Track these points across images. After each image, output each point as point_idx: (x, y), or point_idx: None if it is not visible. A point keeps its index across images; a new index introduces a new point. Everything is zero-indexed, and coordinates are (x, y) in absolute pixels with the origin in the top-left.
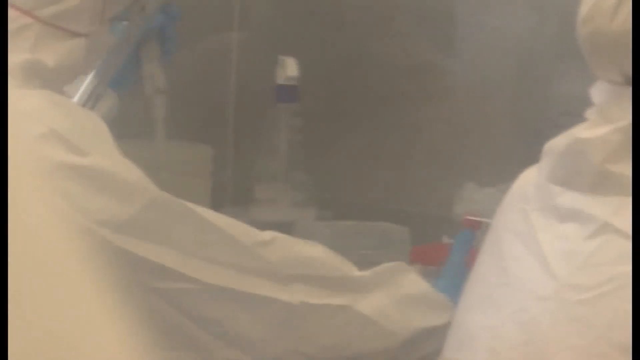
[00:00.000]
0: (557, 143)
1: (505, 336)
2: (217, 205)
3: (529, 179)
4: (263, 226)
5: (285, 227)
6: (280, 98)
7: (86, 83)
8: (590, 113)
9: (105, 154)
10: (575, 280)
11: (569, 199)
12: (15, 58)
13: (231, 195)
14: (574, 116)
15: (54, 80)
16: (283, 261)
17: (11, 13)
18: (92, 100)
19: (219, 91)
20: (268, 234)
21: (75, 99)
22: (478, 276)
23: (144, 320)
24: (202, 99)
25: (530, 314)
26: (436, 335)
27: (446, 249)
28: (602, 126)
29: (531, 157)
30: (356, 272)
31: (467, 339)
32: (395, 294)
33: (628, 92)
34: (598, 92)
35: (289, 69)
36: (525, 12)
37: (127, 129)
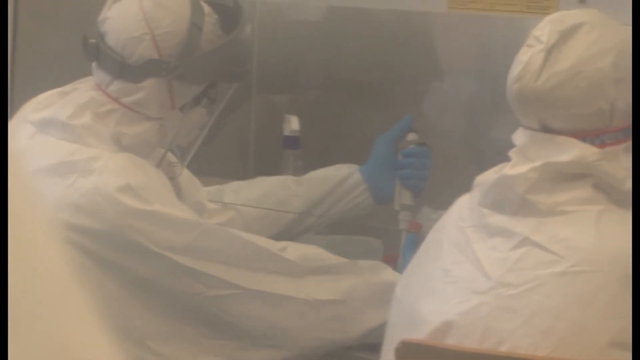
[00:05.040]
0: (487, 177)
1: (452, 320)
2: None
3: (463, 203)
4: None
5: (293, 239)
6: (286, 145)
7: (162, 152)
8: (512, 152)
9: (166, 201)
10: (505, 280)
11: (496, 219)
12: (106, 131)
13: None
14: (504, 156)
15: (134, 149)
16: (298, 258)
17: (104, 99)
18: (163, 164)
19: (242, 140)
20: (283, 243)
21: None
22: (423, 274)
23: (191, 317)
24: (230, 147)
25: (471, 304)
26: None
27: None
28: (523, 165)
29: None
30: (347, 261)
31: (421, 322)
32: (377, 283)
33: (543, 137)
34: (520, 136)
35: (293, 124)
36: (469, 79)
37: None
